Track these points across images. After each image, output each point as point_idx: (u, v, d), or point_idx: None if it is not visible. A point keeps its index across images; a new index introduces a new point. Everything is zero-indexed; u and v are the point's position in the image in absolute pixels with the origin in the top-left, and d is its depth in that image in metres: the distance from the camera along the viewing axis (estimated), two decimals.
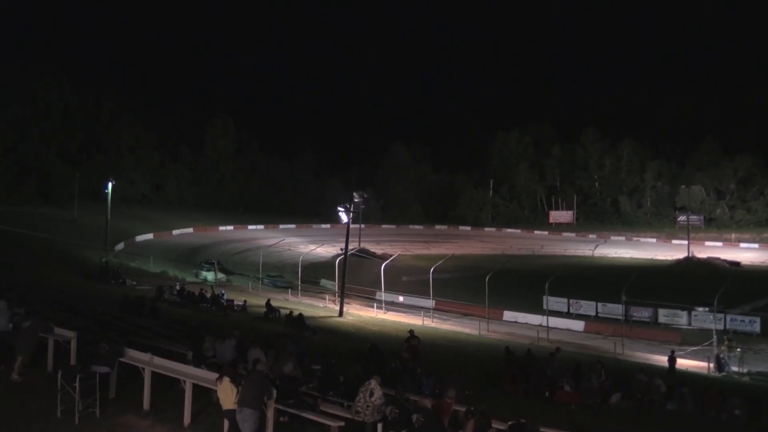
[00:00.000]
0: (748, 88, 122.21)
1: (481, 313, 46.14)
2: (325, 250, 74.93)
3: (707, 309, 42.23)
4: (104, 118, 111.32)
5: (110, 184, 64.81)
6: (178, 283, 45.80)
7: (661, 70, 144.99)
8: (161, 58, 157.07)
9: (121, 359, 14.16)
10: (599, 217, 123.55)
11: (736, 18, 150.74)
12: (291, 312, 33.86)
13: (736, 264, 75.71)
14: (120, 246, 66.90)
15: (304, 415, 12.81)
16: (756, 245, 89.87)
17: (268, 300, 39.69)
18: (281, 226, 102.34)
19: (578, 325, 45.81)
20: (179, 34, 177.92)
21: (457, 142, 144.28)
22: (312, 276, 62.12)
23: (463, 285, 55.64)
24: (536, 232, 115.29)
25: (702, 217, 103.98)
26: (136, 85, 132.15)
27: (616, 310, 46.22)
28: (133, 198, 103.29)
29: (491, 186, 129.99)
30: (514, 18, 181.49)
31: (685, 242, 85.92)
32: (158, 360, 13.90)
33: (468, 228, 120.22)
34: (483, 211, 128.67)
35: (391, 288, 54.90)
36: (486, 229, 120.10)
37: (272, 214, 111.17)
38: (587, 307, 49.16)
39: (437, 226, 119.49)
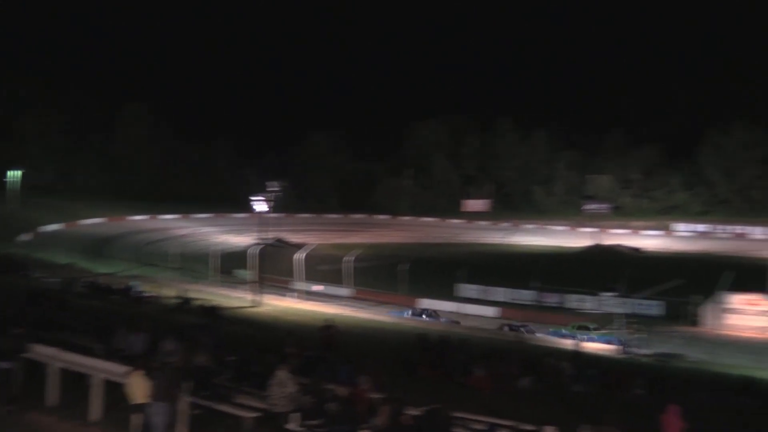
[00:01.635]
0: (656, 81, 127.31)
1: (399, 300, 46.69)
2: (242, 239, 74.12)
3: (613, 294, 44.05)
4: (7, 102, 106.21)
5: (13, 172, 62.03)
6: (87, 275, 44.41)
7: (572, 62, 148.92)
8: (69, 39, 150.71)
9: (25, 354, 13.67)
10: (513, 205, 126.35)
11: (646, 14, 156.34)
12: (205, 302, 33.37)
13: (636, 250, 79.27)
14: (25, 236, 64.16)
15: (219, 407, 12.72)
16: (658, 233, 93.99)
17: (181, 290, 39.02)
18: (197, 216, 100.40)
19: (492, 311, 46.97)
20: (88, 15, 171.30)
21: (376, 131, 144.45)
22: (228, 266, 61.31)
23: (380, 273, 56.15)
24: (452, 220, 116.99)
25: (609, 206, 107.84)
26: (43, 69, 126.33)
27: (527, 296, 47.64)
28: (40, 186, 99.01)
29: (408, 175, 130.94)
30: (428, 7, 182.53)
31: (593, 230, 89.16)
32: (65, 354, 13.48)
33: (385, 217, 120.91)
34: (400, 200, 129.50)
35: (309, 277, 54.82)
36: (403, 217, 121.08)
37: (188, 203, 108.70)
38: (500, 293, 50.49)
39: (355, 215, 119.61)
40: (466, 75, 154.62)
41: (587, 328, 38.56)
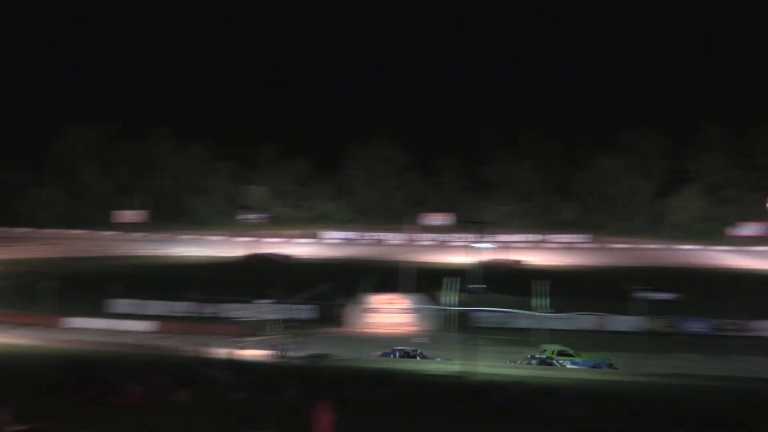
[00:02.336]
0: (305, 98, 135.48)
1: (41, 321, 43.34)
2: None
3: (269, 301, 45.84)
4: None
5: None
6: None
7: (226, 77, 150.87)
8: None
9: None
10: (170, 216, 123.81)
11: (291, 38, 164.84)
12: None
13: (287, 257, 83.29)
14: None
15: None
16: (309, 240, 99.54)
17: None
18: None
19: (149, 326, 45.89)
20: None
21: (18, 136, 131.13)
22: None
23: (21, 292, 51.42)
24: (103, 232, 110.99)
25: (264, 216, 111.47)
26: None
27: (185, 307, 47.48)
28: None
29: (55, 184, 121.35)
30: (73, 15, 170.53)
31: (250, 239, 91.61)
32: None
33: (28, 230, 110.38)
34: (46, 212, 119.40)
35: None
36: (49, 230, 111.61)
37: None
38: (158, 306, 49.55)
39: None
40: (123, 81, 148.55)
41: (569, 354, 36.71)
